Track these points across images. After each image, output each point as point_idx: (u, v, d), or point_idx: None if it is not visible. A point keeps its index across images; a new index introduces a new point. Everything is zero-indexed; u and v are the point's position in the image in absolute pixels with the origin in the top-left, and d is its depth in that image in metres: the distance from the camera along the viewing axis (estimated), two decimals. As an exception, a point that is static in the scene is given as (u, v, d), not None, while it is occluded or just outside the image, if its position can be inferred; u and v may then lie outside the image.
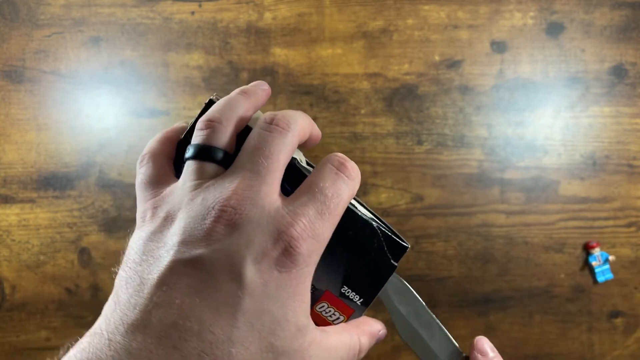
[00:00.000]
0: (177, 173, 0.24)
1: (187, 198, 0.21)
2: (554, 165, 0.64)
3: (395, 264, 0.24)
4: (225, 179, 0.21)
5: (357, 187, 0.23)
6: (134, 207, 0.64)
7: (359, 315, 0.25)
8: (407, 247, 0.24)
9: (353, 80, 0.64)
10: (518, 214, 0.64)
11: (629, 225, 0.64)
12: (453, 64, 0.64)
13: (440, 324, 0.27)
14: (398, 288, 0.26)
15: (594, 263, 0.64)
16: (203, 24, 0.64)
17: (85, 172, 0.64)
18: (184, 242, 0.20)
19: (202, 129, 0.23)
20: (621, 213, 0.64)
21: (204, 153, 0.22)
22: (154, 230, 0.21)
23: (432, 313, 0.27)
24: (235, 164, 0.22)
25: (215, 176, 0.22)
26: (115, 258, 0.64)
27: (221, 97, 0.25)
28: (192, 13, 0.64)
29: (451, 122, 0.64)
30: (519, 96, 0.64)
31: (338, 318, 0.25)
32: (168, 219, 0.21)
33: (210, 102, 0.25)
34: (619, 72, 0.64)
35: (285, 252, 0.20)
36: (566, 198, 0.64)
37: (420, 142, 0.64)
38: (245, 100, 0.24)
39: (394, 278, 0.26)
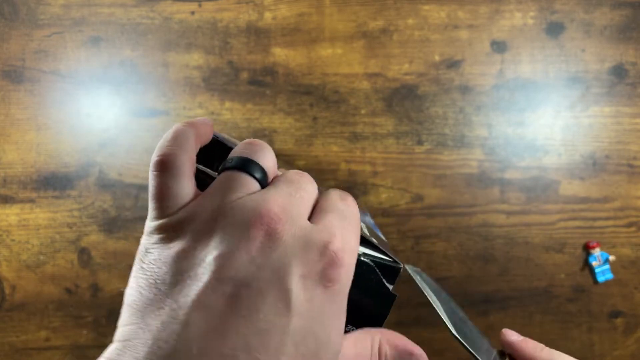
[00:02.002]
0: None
1: (225, 208, 0.19)
2: (554, 165, 0.64)
3: (395, 294, 0.24)
4: (265, 193, 0.20)
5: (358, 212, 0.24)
6: (134, 207, 0.64)
7: None
8: (400, 268, 0.24)
9: (353, 80, 0.64)
10: (518, 214, 0.64)
11: (629, 225, 0.64)
12: (453, 64, 0.64)
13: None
14: (434, 288, 0.26)
15: (594, 263, 0.64)
16: (203, 23, 0.64)
17: (85, 172, 0.64)
18: (224, 256, 0.18)
19: (247, 143, 0.23)
20: (621, 213, 0.64)
21: (250, 167, 0.21)
22: (185, 248, 0.19)
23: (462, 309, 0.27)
24: (272, 185, 0.22)
25: (253, 192, 0.21)
26: (115, 258, 0.64)
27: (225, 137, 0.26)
28: (192, 13, 0.64)
29: (451, 122, 0.64)
30: (519, 96, 0.64)
31: None
32: (202, 233, 0.19)
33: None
34: (619, 72, 0.64)
35: (331, 265, 0.19)
36: (566, 198, 0.64)
37: (420, 142, 0.64)
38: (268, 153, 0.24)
39: (426, 276, 0.26)
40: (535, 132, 0.64)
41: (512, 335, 0.26)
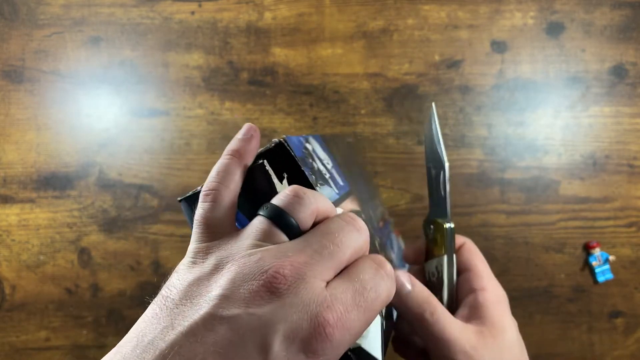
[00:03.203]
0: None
1: (244, 253, 0.21)
2: (554, 165, 0.64)
3: None
4: (288, 248, 0.21)
5: (393, 290, 0.23)
6: (133, 207, 0.64)
7: None
8: None
9: (353, 80, 0.64)
10: (518, 214, 0.64)
11: (629, 225, 0.64)
12: (453, 64, 0.64)
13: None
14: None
15: (594, 263, 0.64)
16: (203, 23, 0.64)
17: (85, 172, 0.64)
18: (225, 297, 0.19)
19: (289, 194, 0.23)
20: (621, 213, 0.64)
21: (281, 220, 0.22)
22: (201, 277, 0.21)
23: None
24: (303, 238, 0.22)
25: (277, 244, 0.22)
26: (115, 258, 0.64)
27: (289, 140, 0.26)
28: (192, 13, 0.64)
29: (451, 122, 0.64)
30: (519, 96, 0.64)
31: None
32: (218, 268, 0.21)
33: (280, 144, 0.25)
34: (619, 72, 0.64)
35: (317, 335, 0.19)
36: (566, 198, 0.64)
37: (420, 142, 0.64)
38: (330, 205, 0.24)
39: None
40: (535, 132, 0.64)
41: (469, 244, 0.28)
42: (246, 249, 0.21)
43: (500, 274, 0.65)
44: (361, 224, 0.23)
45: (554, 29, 0.64)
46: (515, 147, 0.64)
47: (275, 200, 0.23)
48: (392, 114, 0.64)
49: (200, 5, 0.64)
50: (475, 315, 0.31)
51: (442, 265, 0.34)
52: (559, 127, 0.64)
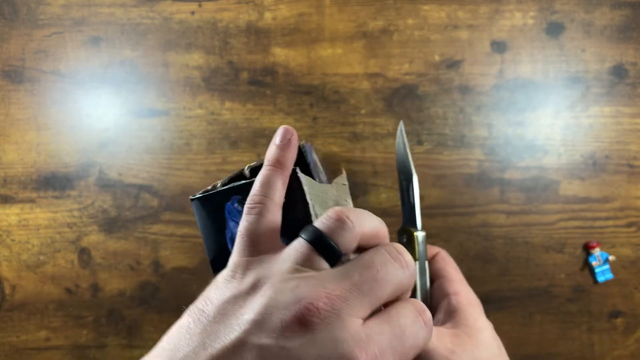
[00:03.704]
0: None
1: (282, 278, 0.20)
2: (554, 165, 0.64)
3: None
4: (327, 279, 0.20)
5: (429, 339, 0.22)
6: (133, 207, 0.64)
7: None
8: None
9: (353, 80, 0.64)
10: (518, 214, 0.64)
11: (629, 225, 0.64)
12: (453, 64, 0.64)
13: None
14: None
15: (594, 263, 0.64)
16: (203, 23, 0.64)
17: (85, 172, 0.64)
18: (257, 324, 0.19)
19: (332, 218, 0.22)
20: (621, 213, 0.64)
21: (322, 245, 0.21)
22: (238, 295, 0.21)
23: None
24: (344, 268, 0.21)
25: (318, 270, 0.21)
26: (115, 258, 0.64)
27: (308, 145, 0.26)
28: (192, 13, 0.64)
29: (451, 122, 0.64)
30: (519, 96, 0.64)
31: None
32: (256, 288, 0.21)
33: (300, 151, 0.25)
34: (619, 72, 0.64)
35: None
36: (566, 198, 0.64)
37: (420, 142, 0.64)
38: (378, 223, 0.23)
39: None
40: (535, 132, 0.64)
41: (442, 255, 0.27)
42: (284, 272, 0.21)
43: (500, 274, 0.65)
44: (407, 258, 0.22)
45: (554, 29, 0.64)
46: (515, 147, 0.64)
47: (318, 223, 0.22)
48: (392, 114, 0.64)
49: (200, 5, 0.64)
50: (450, 318, 0.31)
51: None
52: (559, 127, 0.64)
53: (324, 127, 0.64)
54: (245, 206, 0.24)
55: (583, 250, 0.65)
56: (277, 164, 0.26)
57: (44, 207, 0.64)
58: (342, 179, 0.28)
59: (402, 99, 0.64)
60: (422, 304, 0.22)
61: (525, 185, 0.64)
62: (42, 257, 0.64)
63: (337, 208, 0.22)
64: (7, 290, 0.65)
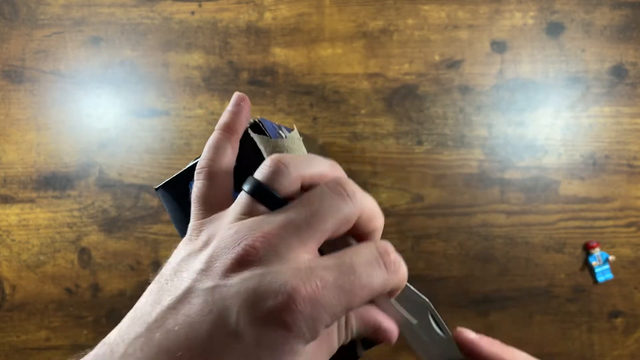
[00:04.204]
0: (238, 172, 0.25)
1: (226, 227, 0.21)
2: (554, 165, 0.64)
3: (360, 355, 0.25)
4: (265, 220, 0.21)
5: (394, 284, 0.21)
6: (133, 207, 0.64)
7: None
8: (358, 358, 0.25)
9: (353, 80, 0.64)
10: (518, 214, 0.64)
11: (629, 225, 0.64)
12: (453, 64, 0.64)
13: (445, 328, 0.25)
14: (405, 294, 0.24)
15: (594, 263, 0.64)
16: (203, 24, 0.64)
17: (85, 172, 0.64)
18: (203, 272, 0.20)
19: (269, 166, 0.22)
20: (621, 213, 0.64)
21: (260, 194, 0.22)
22: (190, 252, 0.22)
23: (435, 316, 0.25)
24: (282, 209, 0.21)
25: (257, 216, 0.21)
26: (115, 258, 0.64)
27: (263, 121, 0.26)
28: (192, 13, 0.64)
29: (451, 122, 0.64)
30: (519, 96, 0.64)
31: None
32: (206, 244, 0.22)
33: (255, 124, 0.25)
34: (619, 72, 0.64)
35: (286, 307, 0.19)
36: (566, 198, 0.64)
37: (420, 142, 0.64)
38: (325, 166, 0.23)
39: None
40: (535, 132, 0.64)
41: (470, 334, 0.24)
42: (227, 223, 0.22)
43: (500, 274, 0.65)
44: (349, 189, 0.22)
45: (554, 29, 0.64)
46: (515, 147, 0.64)
47: (257, 174, 0.23)
48: (392, 114, 0.64)
49: (200, 5, 0.64)
50: None
51: None
52: (559, 127, 0.64)
53: (324, 127, 0.64)
54: (195, 171, 0.25)
55: (583, 250, 0.65)
56: (226, 127, 0.26)
57: (44, 207, 0.64)
58: (295, 134, 0.28)
59: (402, 99, 0.64)
60: (390, 246, 0.22)
61: (525, 185, 0.64)
62: (42, 257, 0.64)
63: (274, 155, 0.23)
64: (7, 290, 0.65)
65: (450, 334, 0.24)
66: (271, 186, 0.22)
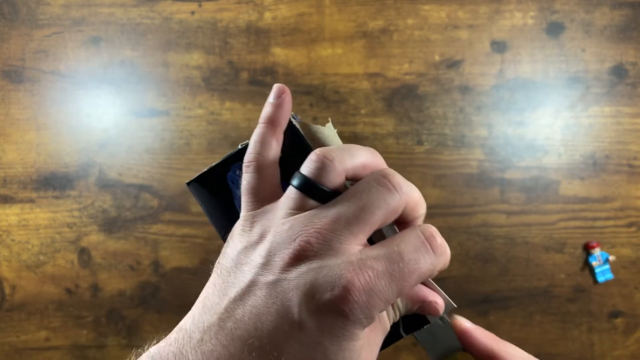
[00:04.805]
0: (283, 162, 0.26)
1: (280, 222, 0.23)
2: (554, 165, 0.64)
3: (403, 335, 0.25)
4: (317, 215, 0.22)
5: (440, 266, 0.23)
6: (133, 207, 0.64)
7: None
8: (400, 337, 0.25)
9: (353, 80, 0.64)
10: (518, 214, 0.64)
11: (629, 225, 0.64)
12: (453, 64, 0.64)
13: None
14: None
15: (594, 263, 0.64)
16: (203, 24, 0.64)
17: (85, 172, 0.64)
18: (264, 266, 0.22)
19: (314, 161, 0.23)
20: (621, 213, 0.64)
21: (309, 189, 0.23)
22: (248, 245, 0.23)
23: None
24: (331, 203, 0.22)
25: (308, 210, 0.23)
26: (115, 258, 0.64)
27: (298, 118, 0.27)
28: (192, 13, 0.64)
29: (451, 122, 0.64)
30: (519, 96, 0.64)
31: None
32: (261, 237, 0.23)
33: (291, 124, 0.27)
34: (619, 72, 0.64)
35: (342, 298, 0.20)
36: (566, 198, 0.64)
37: (420, 142, 0.64)
38: (367, 155, 0.24)
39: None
40: (535, 132, 0.64)
41: (465, 323, 0.25)
42: (282, 217, 0.23)
43: (501, 274, 0.65)
44: (394, 181, 0.23)
45: (554, 29, 0.64)
46: (515, 147, 0.64)
47: (303, 169, 0.24)
48: (392, 114, 0.64)
49: (200, 5, 0.64)
50: None
51: None
52: (559, 127, 0.64)
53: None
54: (243, 165, 0.26)
55: (583, 250, 0.65)
56: (269, 121, 0.27)
57: (44, 207, 0.64)
58: (331, 125, 0.28)
59: (402, 99, 0.64)
60: (433, 229, 0.23)
61: (525, 185, 0.64)
62: (42, 257, 0.64)
63: (318, 150, 0.24)
64: (7, 290, 0.65)
65: (450, 322, 0.25)
66: (319, 181, 0.23)
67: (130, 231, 0.64)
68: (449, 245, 0.24)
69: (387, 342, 0.25)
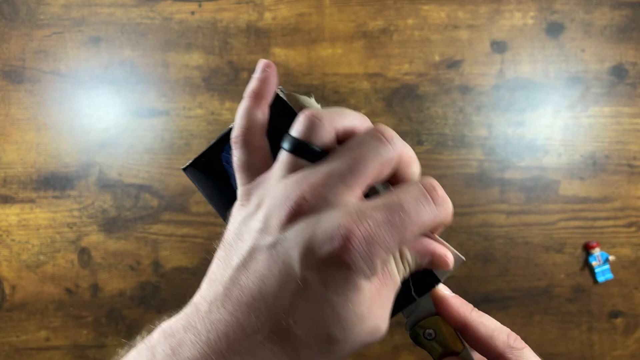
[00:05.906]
0: (272, 134, 0.26)
1: (273, 187, 0.23)
2: (554, 165, 0.64)
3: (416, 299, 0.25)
4: (309, 172, 0.22)
5: (441, 218, 0.22)
6: (133, 207, 0.64)
7: None
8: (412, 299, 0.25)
9: (353, 80, 0.64)
10: (518, 214, 0.64)
11: (629, 225, 0.64)
12: (453, 64, 0.64)
13: None
14: None
15: (594, 263, 0.64)
16: (203, 24, 0.64)
17: (85, 172, 0.64)
18: (262, 230, 0.22)
19: (303, 122, 0.23)
20: (621, 213, 0.64)
21: (300, 149, 0.23)
22: (247, 215, 0.23)
23: None
24: (324, 160, 0.23)
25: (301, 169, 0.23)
26: (115, 258, 0.64)
27: (286, 91, 0.27)
28: (192, 13, 0.64)
29: (451, 122, 0.64)
30: (519, 96, 0.64)
31: None
32: (258, 206, 0.23)
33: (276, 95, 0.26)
34: (619, 72, 0.64)
35: (343, 248, 0.20)
36: (566, 198, 0.64)
37: (420, 142, 0.64)
38: (356, 118, 0.25)
39: None
40: (535, 132, 0.64)
41: (444, 290, 0.25)
42: (276, 182, 0.23)
43: (500, 274, 0.65)
44: (389, 134, 0.23)
45: (554, 29, 0.64)
46: (515, 147, 0.64)
47: (292, 130, 0.24)
48: (392, 114, 0.64)
49: (200, 5, 0.64)
50: None
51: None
52: (559, 127, 0.64)
53: (324, 127, 0.64)
54: (231, 142, 0.26)
55: (583, 250, 0.65)
56: (254, 95, 0.27)
57: (44, 207, 0.64)
58: (313, 100, 0.29)
59: (402, 99, 0.64)
60: (434, 180, 0.23)
61: (525, 185, 0.64)
62: (42, 257, 0.64)
63: (306, 110, 0.24)
64: (7, 290, 0.65)
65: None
66: (308, 140, 0.23)
67: (130, 231, 0.64)
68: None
69: (400, 306, 0.24)
